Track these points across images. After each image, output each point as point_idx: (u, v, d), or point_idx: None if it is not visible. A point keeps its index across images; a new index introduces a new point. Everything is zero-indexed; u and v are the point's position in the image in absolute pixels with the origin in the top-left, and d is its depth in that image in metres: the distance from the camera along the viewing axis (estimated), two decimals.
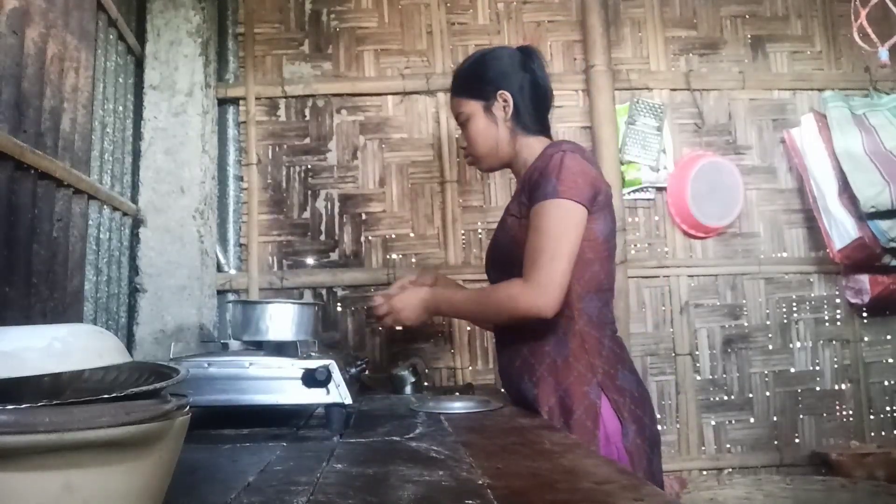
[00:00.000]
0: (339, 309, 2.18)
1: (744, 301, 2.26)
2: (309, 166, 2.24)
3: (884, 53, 1.85)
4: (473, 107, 1.49)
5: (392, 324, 1.54)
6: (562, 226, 1.28)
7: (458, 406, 1.41)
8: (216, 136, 2.16)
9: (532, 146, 1.47)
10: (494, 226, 1.58)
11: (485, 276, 1.62)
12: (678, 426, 2.19)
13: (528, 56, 1.52)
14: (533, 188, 1.35)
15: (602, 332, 1.36)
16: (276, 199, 2.23)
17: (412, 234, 2.23)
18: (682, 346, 2.22)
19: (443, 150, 2.24)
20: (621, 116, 2.24)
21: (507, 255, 1.41)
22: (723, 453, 2.19)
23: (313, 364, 1.13)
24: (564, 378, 1.31)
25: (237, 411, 1.17)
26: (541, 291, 1.26)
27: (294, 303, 1.43)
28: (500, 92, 1.47)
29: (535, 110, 1.50)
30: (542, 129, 1.52)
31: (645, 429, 1.29)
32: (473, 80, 1.51)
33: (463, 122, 1.53)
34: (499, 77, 1.48)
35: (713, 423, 2.20)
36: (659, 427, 2.14)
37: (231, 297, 2.16)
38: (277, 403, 1.14)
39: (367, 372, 1.93)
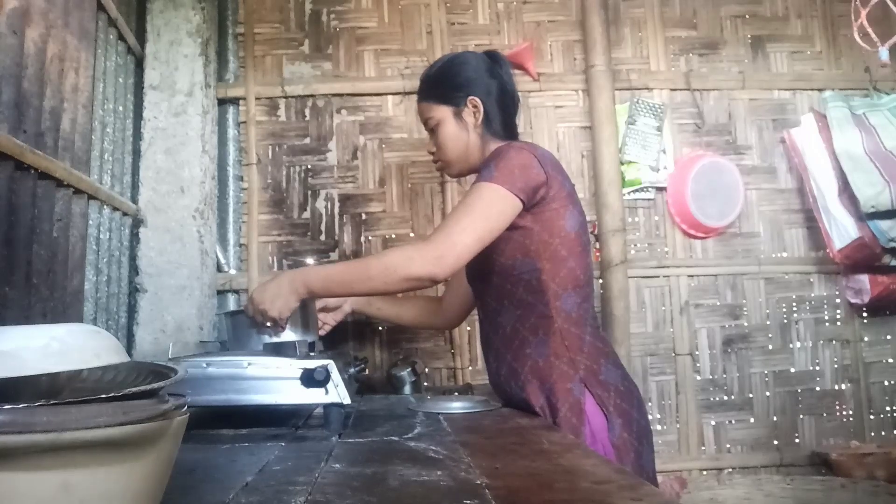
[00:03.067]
0: None
1: (744, 301, 2.26)
2: (309, 166, 2.24)
3: (884, 53, 1.84)
4: (443, 112, 1.49)
5: (266, 320, 1.34)
6: (484, 206, 1.28)
7: (456, 406, 1.42)
8: (216, 136, 2.16)
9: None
10: None
11: None
12: (678, 426, 2.19)
13: (495, 61, 1.52)
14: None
15: (582, 328, 1.36)
16: (276, 199, 2.23)
17: (412, 234, 2.23)
18: (682, 346, 2.22)
19: None
20: (621, 116, 2.24)
21: (485, 263, 1.40)
22: (723, 453, 2.19)
23: (312, 364, 1.13)
24: (547, 377, 1.31)
25: (235, 411, 1.17)
26: (437, 256, 1.23)
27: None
28: (469, 98, 1.47)
29: (503, 115, 1.50)
30: (511, 134, 1.52)
31: (632, 422, 1.28)
32: (443, 85, 1.50)
33: (432, 127, 1.52)
34: (468, 82, 1.48)
35: (713, 423, 2.20)
36: (659, 427, 2.17)
37: (231, 297, 2.16)
38: (276, 403, 1.14)
39: (366, 372, 1.94)
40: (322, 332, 1.76)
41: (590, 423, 1.26)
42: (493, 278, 1.40)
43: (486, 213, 1.27)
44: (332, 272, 1.35)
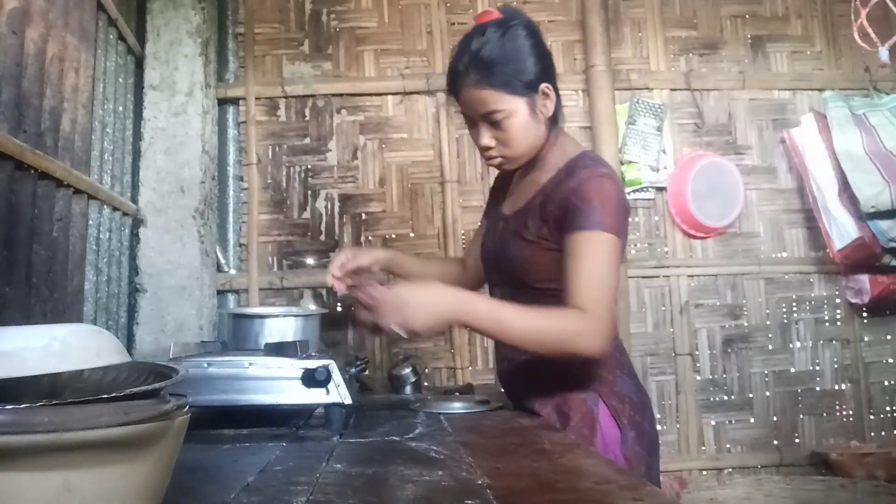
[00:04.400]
0: (339, 309, 2.18)
1: (744, 301, 2.26)
2: (309, 166, 2.24)
3: (884, 53, 1.84)
4: (516, 104, 1.22)
5: (399, 326, 1.09)
6: (612, 262, 1.17)
7: (457, 406, 1.41)
8: (216, 136, 2.16)
9: (562, 145, 1.31)
10: None
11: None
12: (678, 426, 2.19)
13: (537, 31, 1.30)
14: (569, 213, 1.18)
15: None
16: (276, 199, 2.23)
17: (412, 234, 2.23)
18: (682, 346, 2.22)
19: (443, 150, 2.24)
20: (621, 116, 2.24)
21: (519, 273, 1.28)
22: (723, 453, 2.19)
23: (313, 364, 1.12)
24: (561, 385, 1.26)
25: (237, 411, 1.17)
26: (606, 335, 1.14)
27: (294, 315, 1.42)
28: (544, 85, 1.24)
29: (557, 98, 1.29)
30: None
31: (644, 435, 1.25)
32: (514, 70, 1.22)
33: (497, 119, 1.23)
34: (540, 66, 1.24)
35: (713, 423, 2.20)
36: (659, 427, 2.16)
37: (231, 298, 2.16)
38: (277, 403, 1.14)
39: (366, 372, 1.93)
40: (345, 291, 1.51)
41: (602, 434, 1.21)
42: (522, 286, 1.29)
43: (613, 269, 1.17)
44: (503, 316, 1.15)
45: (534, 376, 1.30)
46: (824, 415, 2.23)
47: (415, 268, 1.68)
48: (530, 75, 1.23)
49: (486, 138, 1.27)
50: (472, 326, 1.15)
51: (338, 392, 1.12)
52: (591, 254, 1.16)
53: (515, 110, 1.22)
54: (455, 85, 1.27)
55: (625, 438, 1.21)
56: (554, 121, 1.29)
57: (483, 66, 1.22)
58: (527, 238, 1.25)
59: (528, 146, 1.27)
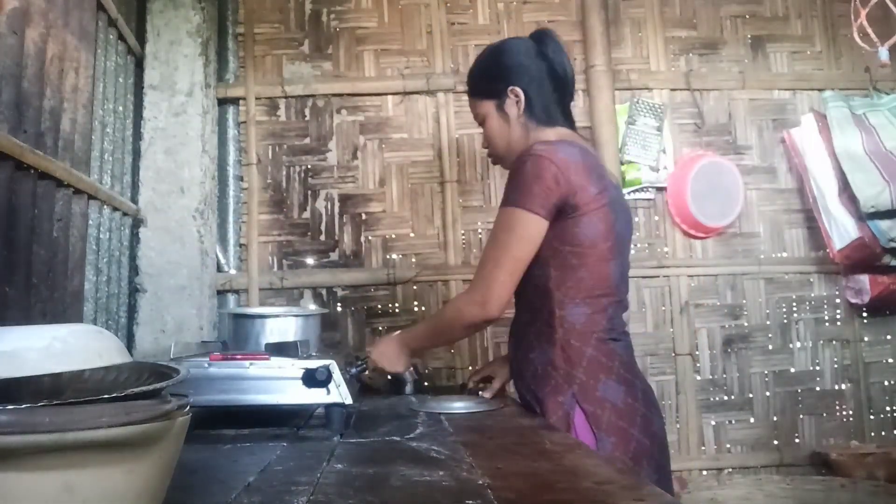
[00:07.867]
0: (339, 309, 2.18)
1: (744, 301, 2.26)
2: (309, 166, 2.24)
3: (884, 53, 1.85)
4: (487, 107, 1.46)
5: (379, 374, 1.60)
6: (508, 235, 1.29)
7: (458, 406, 1.41)
8: (216, 136, 2.16)
9: (548, 139, 1.39)
10: None
11: None
12: (678, 426, 2.19)
13: (541, 43, 1.45)
14: None
15: (586, 341, 1.29)
16: (276, 199, 2.23)
17: (412, 234, 2.23)
18: (682, 346, 2.22)
19: (443, 150, 2.24)
20: (621, 116, 2.24)
21: None
22: (723, 453, 2.19)
23: (313, 364, 1.12)
24: (541, 387, 1.30)
25: (237, 411, 1.17)
26: (479, 301, 1.31)
27: (294, 315, 1.42)
28: (510, 88, 1.42)
29: (551, 100, 1.43)
30: (562, 117, 1.45)
31: (630, 441, 1.22)
32: (485, 78, 1.48)
33: (480, 122, 1.50)
34: (508, 72, 1.43)
35: (713, 423, 2.20)
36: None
37: (231, 298, 2.16)
38: (278, 403, 1.14)
39: (366, 372, 1.93)
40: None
41: (577, 438, 1.20)
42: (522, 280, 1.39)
43: (511, 243, 1.28)
44: (420, 335, 1.53)
45: (525, 377, 1.37)
46: (824, 415, 2.23)
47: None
48: (496, 80, 1.45)
49: (483, 139, 1.53)
50: (414, 348, 1.53)
51: (338, 392, 1.12)
52: (494, 231, 1.33)
53: (487, 112, 1.46)
54: None
55: (601, 445, 1.21)
56: (537, 121, 1.42)
57: (468, 80, 1.54)
58: None
59: (503, 145, 1.46)
